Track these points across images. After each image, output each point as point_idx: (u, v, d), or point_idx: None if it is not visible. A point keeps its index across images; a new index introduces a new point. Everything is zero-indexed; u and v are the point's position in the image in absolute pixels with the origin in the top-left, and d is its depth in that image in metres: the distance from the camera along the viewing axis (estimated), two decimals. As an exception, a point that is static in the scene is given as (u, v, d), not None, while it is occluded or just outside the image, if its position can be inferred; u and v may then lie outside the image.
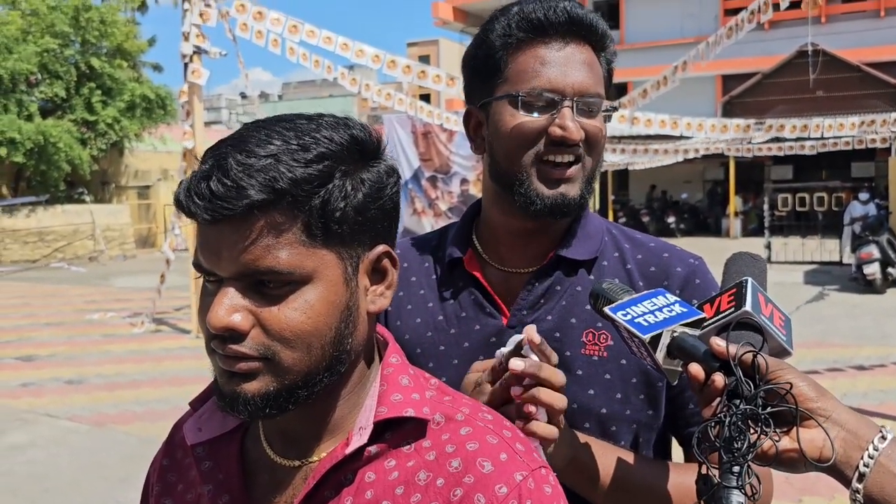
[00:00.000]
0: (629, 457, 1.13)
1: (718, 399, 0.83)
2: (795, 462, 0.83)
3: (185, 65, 9.39)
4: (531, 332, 0.99)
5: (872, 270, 12.59)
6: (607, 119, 1.19)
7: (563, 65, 1.14)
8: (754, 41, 23.44)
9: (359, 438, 0.81)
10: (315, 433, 0.85)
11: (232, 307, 0.76)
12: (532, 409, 0.97)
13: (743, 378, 0.81)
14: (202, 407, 0.92)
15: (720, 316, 0.90)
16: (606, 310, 0.96)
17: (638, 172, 28.28)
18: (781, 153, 19.74)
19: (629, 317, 0.93)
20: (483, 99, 1.20)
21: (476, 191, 13.61)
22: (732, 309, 0.89)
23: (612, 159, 23.11)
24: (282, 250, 0.75)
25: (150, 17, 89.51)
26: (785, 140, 18.59)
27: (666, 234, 24.77)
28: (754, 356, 0.82)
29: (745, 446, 0.79)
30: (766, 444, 0.80)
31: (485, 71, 1.19)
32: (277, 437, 0.88)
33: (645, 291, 0.98)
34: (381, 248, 0.84)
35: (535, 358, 0.98)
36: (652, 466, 1.16)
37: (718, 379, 0.83)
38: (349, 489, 0.81)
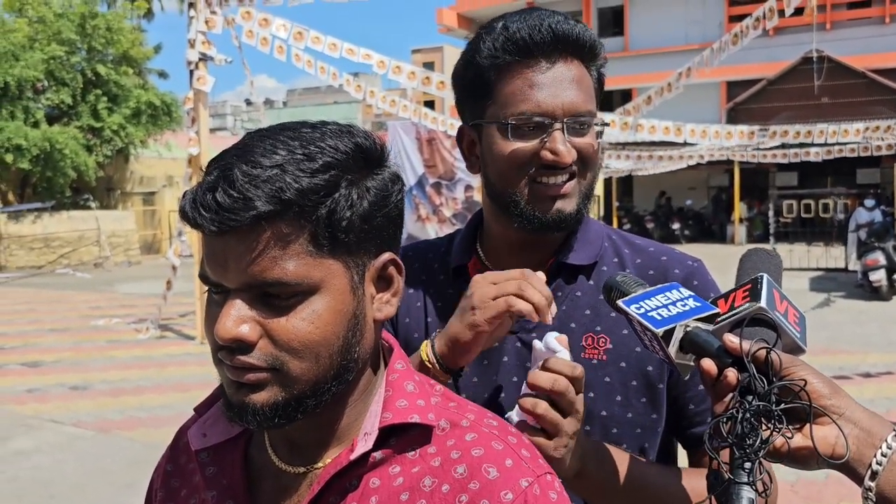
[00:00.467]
0: (637, 464, 1.13)
1: (731, 395, 0.83)
2: (808, 459, 0.82)
3: (191, 72, 9.42)
4: (552, 340, 1.03)
5: (878, 277, 12.55)
6: (600, 134, 1.19)
7: (551, 86, 1.13)
8: (759, 47, 23.44)
9: (364, 444, 0.81)
10: (320, 440, 0.85)
11: (240, 318, 0.76)
12: (529, 418, 0.99)
13: (756, 374, 0.81)
14: (207, 412, 0.92)
15: (734, 311, 0.90)
16: (620, 303, 0.96)
17: (642, 179, 28.26)
18: (786, 160, 19.72)
19: (642, 310, 0.93)
20: (474, 119, 1.20)
21: (480, 197, 13.59)
22: (747, 304, 0.89)
23: (617, 166, 23.10)
24: (289, 261, 0.75)
25: (156, 25, 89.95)
26: (790, 146, 18.58)
27: (671, 240, 24.73)
28: (768, 352, 0.81)
29: (757, 443, 0.78)
30: (779, 440, 0.80)
31: (474, 91, 1.19)
32: (282, 444, 0.87)
33: (659, 285, 0.97)
34: (386, 255, 0.84)
35: (562, 358, 1.01)
36: (660, 472, 1.16)
37: (731, 375, 0.83)
38: (354, 495, 0.81)
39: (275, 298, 0.77)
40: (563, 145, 1.12)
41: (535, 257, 1.21)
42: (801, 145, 18.46)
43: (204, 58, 9.40)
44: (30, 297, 14.99)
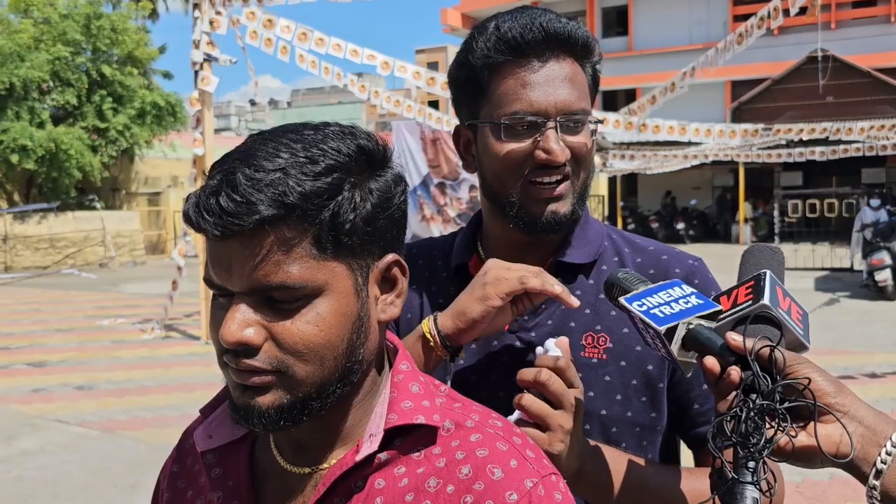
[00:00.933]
0: (638, 464, 1.13)
1: (734, 393, 0.82)
2: (812, 458, 0.82)
3: (196, 72, 9.44)
4: (551, 344, 1.04)
5: (884, 277, 12.51)
6: (594, 132, 1.19)
7: (544, 84, 1.13)
8: (764, 47, 23.40)
9: (369, 445, 0.81)
10: (326, 441, 0.85)
11: (244, 322, 0.76)
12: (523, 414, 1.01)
13: (760, 372, 0.80)
14: (212, 414, 0.92)
15: (737, 308, 0.89)
16: (622, 300, 0.95)
17: (647, 179, 28.23)
18: (791, 159, 19.68)
19: (644, 307, 0.92)
20: (469, 119, 1.21)
21: (484, 197, 13.58)
22: (750, 302, 0.88)
23: (621, 165, 23.08)
24: (292, 265, 0.75)
25: (161, 25, 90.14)
26: (795, 145, 18.53)
27: (675, 240, 24.69)
28: (772, 350, 0.81)
29: (761, 441, 0.78)
30: (783, 439, 0.79)
31: (468, 91, 1.19)
32: (288, 445, 0.88)
33: (661, 282, 0.97)
34: (390, 257, 0.84)
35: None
36: (662, 473, 1.15)
37: (734, 373, 0.83)
38: (359, 496, 0.81)
39: (279, 302, 0.77)
40: (556, 144, 1.13)
41: (534, 256, 1.22)
42: (806, 144, 18.42)
43: (208, 58, 9.41)
44: (35, 298, 15.03)
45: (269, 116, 16.17)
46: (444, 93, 10.31)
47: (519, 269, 1.09)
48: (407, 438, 0.83)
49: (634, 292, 0.95)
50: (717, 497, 0.80)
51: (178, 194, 24.30)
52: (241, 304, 0.77)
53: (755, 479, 0.77)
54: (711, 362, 0.85)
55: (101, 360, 9.06)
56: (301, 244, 0.76)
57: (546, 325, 1.20)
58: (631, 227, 25.58)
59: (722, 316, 0.90)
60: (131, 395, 7.37)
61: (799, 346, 0.88)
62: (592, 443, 1.11)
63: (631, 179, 29.25)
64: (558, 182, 1.15)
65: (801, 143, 17.94)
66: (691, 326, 0.89)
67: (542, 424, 1.00)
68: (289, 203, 0.74)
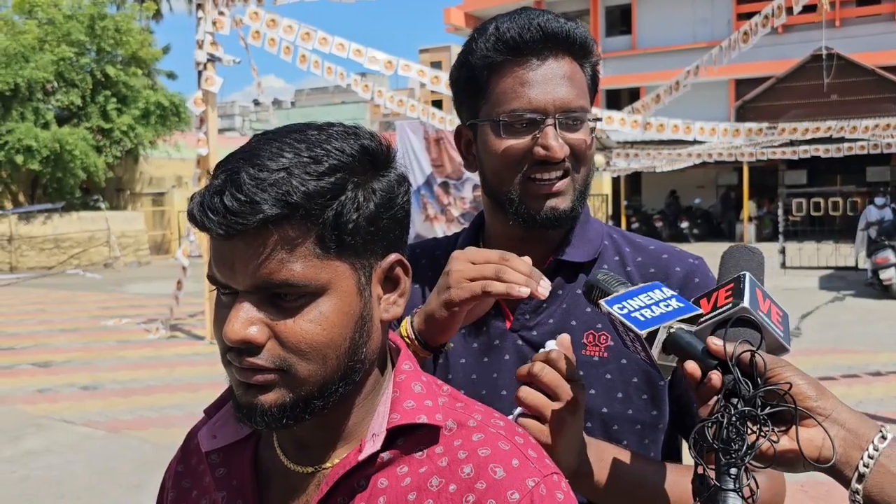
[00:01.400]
0: (638, 462, 1.13)
1: (715, 398, 0.82)
2: (794, 462, 0.81)
3: (199, 72, 9.45)
4: (551, 344, 1.03)
5: (889, 275, 12.48)
6: (593, 130, 1.20)
7: (542, 83, 1.15)
8: (768, 45, 23.34)
9: (372, 445, 0.81)
10: (329, 440, 0.86)
11: (248, 320, 0.77)
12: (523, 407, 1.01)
13: (741, 377, 0.80)
14: (217, 414, 0.93)
15: (717, 311, 0.88)
16: (602, 302, 0.95)
17: (651, 178, 28.20)
18: (796, 157, 19.63)
19: (625, 310, 0.91)
20: (470, 119, 1.23)
21: (488, 196, 13.56)
22: (730, 305, 0.87)
23: (625, 164, 23.05)
24: (296, 263, 0.76)
25: (165, 26, 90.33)
26: (799, 143, 18.49)
27: (679, 239, 24.66)
28: (752, 355, 0.80)
29: (743, 447, 0.77)
30: (765, 444, 0.78)
31: (469, 91, 1.21)
32: (291, 444, 0.88)
33: (641, 284, 0.96)
34: (393, 256, 0.84)
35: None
36: (662, 470, 1.16)
37: (715, 377, 0.82)
38: (362, 495, 0.81)
39: (282, 300, 0.77)
40: (554, 140, 1.14)
41: (534, 254, 1.21)
42: (810, 141, 18.37)
43: (212, 59, 9.43)
44: (40, 298, 15.08)
45: (273, 116, 16.20)
46: (448, 91, 10.29)
47: (483, 268, 1.04)
48: (409, 438, 0.83)
49: (615, 294, 0.95)
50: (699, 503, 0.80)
51: (182, 194, 24.35)
52: (245, 302, 0.77)
53: (737, 485, 0.76)
54: (692, 367, 0.84)
55: (106, 360, 9.08)
56: (305, 243, 0.76)
57: (547, 324, 1.20)
58: (635, 226, 25.54)
59: (702, 319, 0.89)
60: (136, 395, 7.38)
61: (779, 349, 0.87)
62: (593, 440, 1.11)
63: (635, 178, 29.21)
64: (557, 179, 1.16)
65: (806, 140, 17.89)
66: (672, 330, 0.88)
67: (541, 417, 1.00)
68: (292, 202, 0.74)
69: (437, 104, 26.01)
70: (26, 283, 17.97)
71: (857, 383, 7.19)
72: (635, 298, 0.93)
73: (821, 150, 18.65)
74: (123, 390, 7.59)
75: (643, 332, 0.88)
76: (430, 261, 1.33)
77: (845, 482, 0.81)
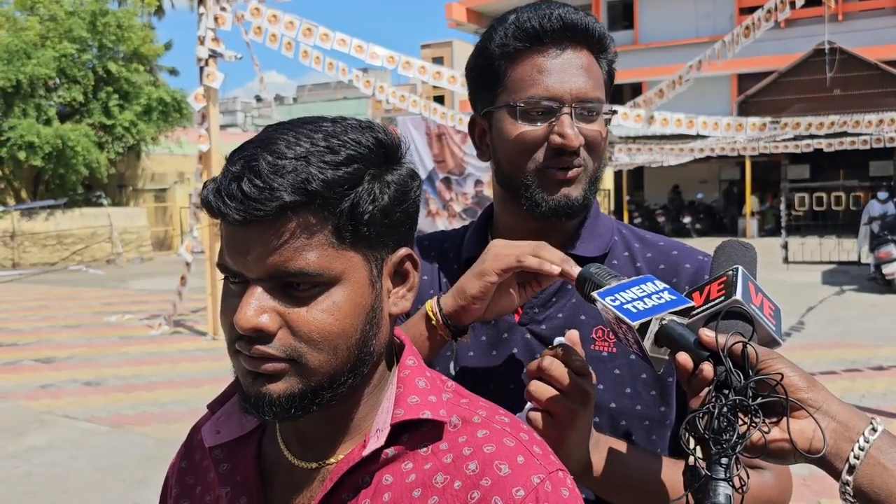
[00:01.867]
0: (645, 457, 1.13)
1: (707, 389, 0.82)
2: (785, 453, 0.81)
3: (201, 68, 9.45)
4: (562, 338, 1.03)
5: (891, 270, 12.47)
6: (608, 122, 1.21)
7: (560, 72, 1.15)
8: (770, 39, 23.27)
9: (376, 440, 0.81)
10: (333, 435, 0.85)
11: (260, 308, 0.76)
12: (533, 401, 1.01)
13: (732, 368, 0.80)
14: (220, 409, 0.93)
15: (710, 304, 0.89)
16: (594, 294, 0.95)
17: (653, 173, 28.16)
18: (798, 150, 19.60)
19: (618, 302, 0.92)
20: (485, 107, 1.23)
21: (490, 192, 13.57)
22: (722, 297, 0.88)
23: (627, 159, 23.02)
24: (311, 252, 0.76)
25: (167, 22, 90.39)
26: (802, 137, 18.45)
27: (681, 234, 24.64)
28: (744, 346, 0.81)
29: (733, 438, 0.77)
30: (756, 435, 0.79)
31: (485, 80, 1.21)
32: (295, 440, 0.88)
33: (633, 277, 0.97)
34: (403, 250, 0.84)
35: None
36: (670, 466, 1.15)
37: (707, 369, 0.82)
38: (366, 491, 0.81)
39: (295, 289, 0.77)
40: (570, 129, 1.14)
41: None
42: (813, 136, 18.33)
43: (214, 54, 9.42)
44: (43, 294, 15.10)
45: (275, 112, 16.19)
46: (450, 86, 10.29)
47: (520, 245, 1.08)
48: (414, 434, 0.83)
49: (607, 287, 0.95)
50: (690, 494, 0.80)
51: (184, 190, 24.35)
52: (258, 289, 0.77)
53: (728, 475, 0.77)
54: (684, 358, 0.85)
55: (108, 356, 9.10)
56: (321, 232, 0.76)
57: (557, 319, 1.20)
58: (637, 221, 25.53)
59: (695, 312, 0.90)
60: (139, 391, 7.40)
61: (771, 342, 0.88)
62: (601, 435, 1.11)
63: (637, 174, 29.18)
64: (571, 167, 1.17)
65: (808, 134, 17.86)
66: (664, 322, 0.89)
67: (550, 410, 1.00)
68: (311, 190, 0.74)
69: (439, 100, 25.98)
70: (29, 280, 18.00)
71: (860, 378, 7.18)
72: (628, 291, 0.93)
73: (823, 144, 18.62)
74: (126, 386, 7.61)
75: (635, 324, 0.88)
76: (438, 253, 1.33)
77: (836, 474, 0.81)
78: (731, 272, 0.90)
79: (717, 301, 0.88)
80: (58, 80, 21.36)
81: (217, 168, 9.25)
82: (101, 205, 22.74)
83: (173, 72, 27.40)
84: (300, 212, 0.75)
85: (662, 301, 0.91)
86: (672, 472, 1.12)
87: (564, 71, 1.15)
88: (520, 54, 1.16)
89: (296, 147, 0.76)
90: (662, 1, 29.69)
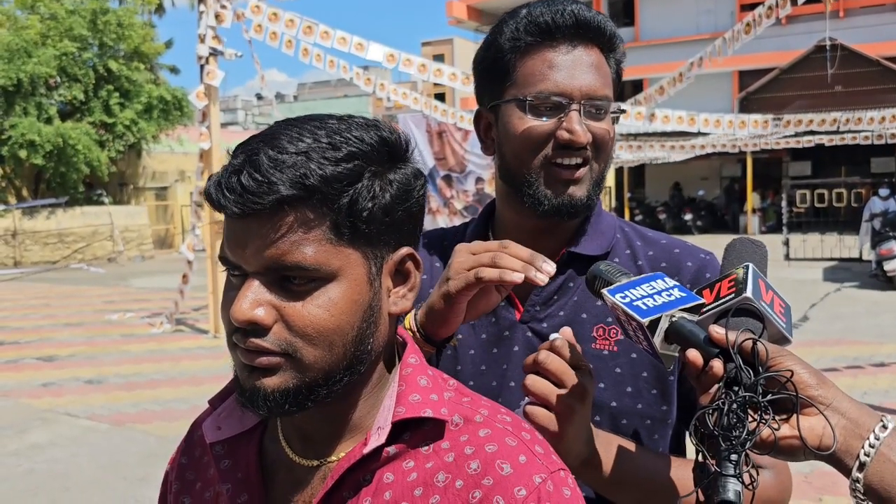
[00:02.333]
0: (646, 454, 1.13)
1: (717, 386, 0.82)
2: (795, 450, 0.81)
3: (202, 67, 9.44)
4: (556, 334, 1.03)
5: (893, 266, 12.45)
6: (615, 121, 1.20)
7: (570, 68, 1.15)
8: (771, 36, 23.25)
9: (377, 439, 0.81)
10: (334, 433, 0.85)
11: (256, 301, 0.77)
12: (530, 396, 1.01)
13: (742, 365, 0.80)
14: (221, 405, 0.92)
15: (720, 301, 0.88)
16: (604, 291, 0.95)
17: (654, 170, 28.14)
18: (800, 146, 19.58)
19: (627, 299, 0.91)
20: (492, 101, 1.22)
21: (491, 189, 13.59)
22: (733, 295, 0.87)
23: (628, 157, 23.00)
24: (308, 246, 0.76)
25: (167, 20, 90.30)
26: (803, 133, 18.44)
27: (683, 231, 24.62)
28: (754, 343, 0.80)
29: (743, 434, 0.77)
30: (765, 432, 0.78)
31: (494, 73, 1.20)
32: (296, 437, 0.88)
33: (643, 275, 0.96)
34: (405, 250, 0.84)
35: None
36: (669, 464, 1.15)
37: (717, 365, 0.82)
38: (368, 489, 0.81)
39: (292, 283, 0.77)
40: (579, 125, 1.14)
41: (546, 246, 1.21)
42: (815, 133, 18.32)
43: (214, 53, 9.41)
44: (44, 292, 15.11)
45: (276, 110, 16.18)
46: (450, 83, 10.28)
47: (479, 257, 1.03)
48: (415, 433, 0.83)
49: (617, 284, 0.95)
50: (700, 490, 0.80)
51: (185, 188, 24.36)
52: (255, 282, 0.77)
53: (737, 471, 0.77)
54: (694, 355, 0.85)
55: (110, 354, 9.11)
56: (319, 227, 0.76)
57: (558, 316, 1.20)
58: (638, 218, 25.51)
59: (705, 309, 0.89)
60: (140, 389, 7.40)
61: (781, 339, 0.87)
62: (602, 432, 1.11)
63: (638, 171, 29.16)
64: (577, 166, 1.16)
65: (809, 130, 17.86)
66: (674, 319, 0.88)
67: (548, 404, 1.00)
68: (309, 185, 0.75)
69: (440, 97, 25.97)
70: (30, 278, 18.02)
71: (862, 374, 7.18)
72: (638, 288, 0.93)
73: (824, 140, 18.61)
74: (127, 384, 7.62)
75: (645, 321, 0.88)
76: (439, 251, 1.33)
77: (846, 471, 0.81)
78: (741, 269, 0.90)
79: (727, 298, 0.88)
80: (58, 79, 21.37)
81: (218, 166, 9.23)
82: (102, 203, 22.76)
83: (174, 70, 27.43)
84: (298, 206, 0.75)
85: (672, 298, 0.90)
86: (680, 472, 1.11)
87: (575, 67, 1.15)
88: (530, 49, 1.16)
89: (298, 143, 0.76)
90: (663, -2, 29.65)
